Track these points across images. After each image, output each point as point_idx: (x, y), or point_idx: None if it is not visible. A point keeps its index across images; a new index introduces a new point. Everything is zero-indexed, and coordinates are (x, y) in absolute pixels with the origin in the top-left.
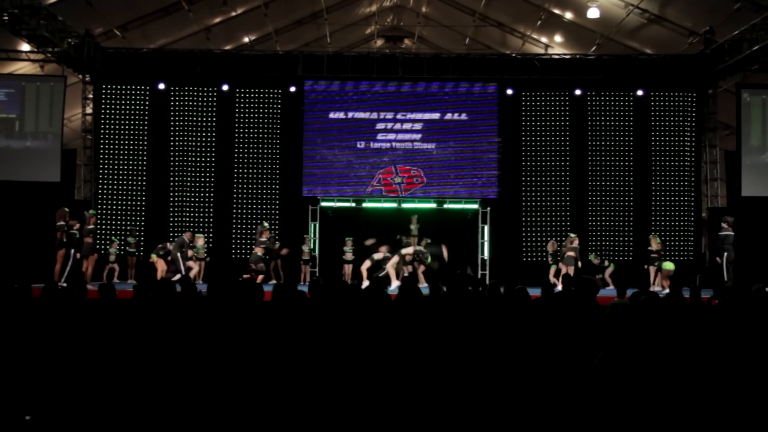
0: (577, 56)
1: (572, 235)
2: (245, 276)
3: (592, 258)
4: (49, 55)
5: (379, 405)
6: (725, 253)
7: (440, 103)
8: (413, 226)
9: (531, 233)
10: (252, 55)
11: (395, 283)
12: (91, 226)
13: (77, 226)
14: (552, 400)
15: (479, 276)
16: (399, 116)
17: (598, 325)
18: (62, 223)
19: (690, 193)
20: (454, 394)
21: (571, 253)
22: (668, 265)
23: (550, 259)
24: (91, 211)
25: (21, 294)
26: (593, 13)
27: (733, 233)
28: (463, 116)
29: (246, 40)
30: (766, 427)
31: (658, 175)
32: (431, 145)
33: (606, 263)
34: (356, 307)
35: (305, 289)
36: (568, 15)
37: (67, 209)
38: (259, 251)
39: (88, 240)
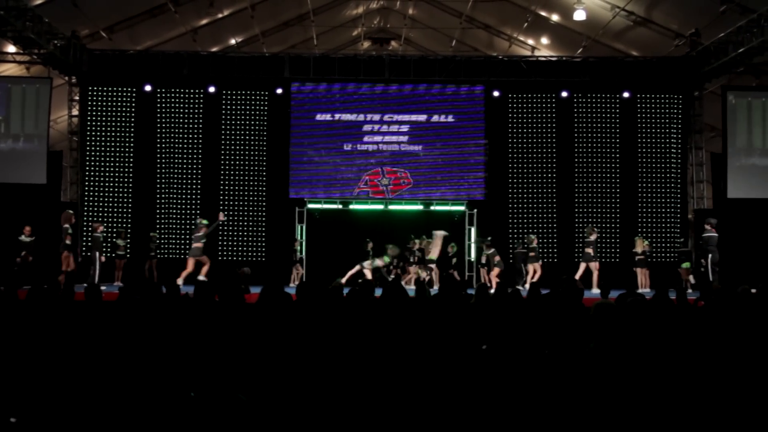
0: (564, 58)
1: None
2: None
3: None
4: (35, 56)
5: (366, 403)
6: (710, 255)
7: (427, 104)
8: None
9: (518, 235)
10: (238, 56)
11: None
12: (97, 234)
13: (100, 229)
14: (538, 396)
15: (466, 278)
16: (386, 118)
17: (584, 325)
18: (67, 225)
19: (676, 195)
20: (439, 394)
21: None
22: (686, 265)
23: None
24: (69, 211)
25: (8, 297)
26: (579, 15)
27: (716, 235)
28: (450, 118)
29: (233, 41)
30: (752, 421)
31: (645, 177)
32: (418, 147)
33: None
34: (342, 309)
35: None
36: (555, 17)
37: (71, 212)
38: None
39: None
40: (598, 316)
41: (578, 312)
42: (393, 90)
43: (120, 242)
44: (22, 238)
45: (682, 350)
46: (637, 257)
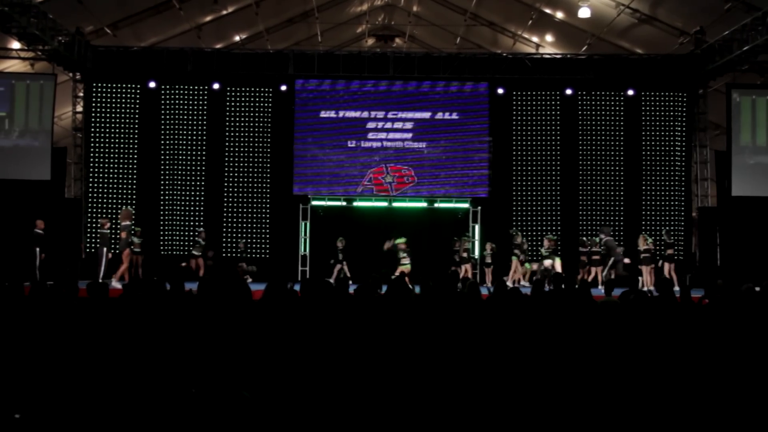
0: (568, 56)
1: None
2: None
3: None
4: (39, 53)
5: (371, 400)
6: (612, 258)
7: (431, 102)
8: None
9: (522, 232)
10: (243, 53)
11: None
12: (127, 222)
13: (107, 225)
14: (540, 394)
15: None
16: (390, 115)
17: (589, 323)
18: (128, 222)
19: (680, 192)
20: (442, 391)
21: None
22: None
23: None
24: (129, 208)
25: (14, 293)
26: (584, 12)
27: (612, 238)
28: (454, 115)
29: (237, 38)
30: (752, 417)
31: (649, 175)
32: (422, 145)
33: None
34: (347, 305)
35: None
36: (559, 14)
37: (132, 209)
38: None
39: (123, 235)
40: (602, 314)
41: (583, 309)
42: (397, 87)
43: (135, 240)
44: (37, 231)
45: (685, 348)
46: (641, 255)
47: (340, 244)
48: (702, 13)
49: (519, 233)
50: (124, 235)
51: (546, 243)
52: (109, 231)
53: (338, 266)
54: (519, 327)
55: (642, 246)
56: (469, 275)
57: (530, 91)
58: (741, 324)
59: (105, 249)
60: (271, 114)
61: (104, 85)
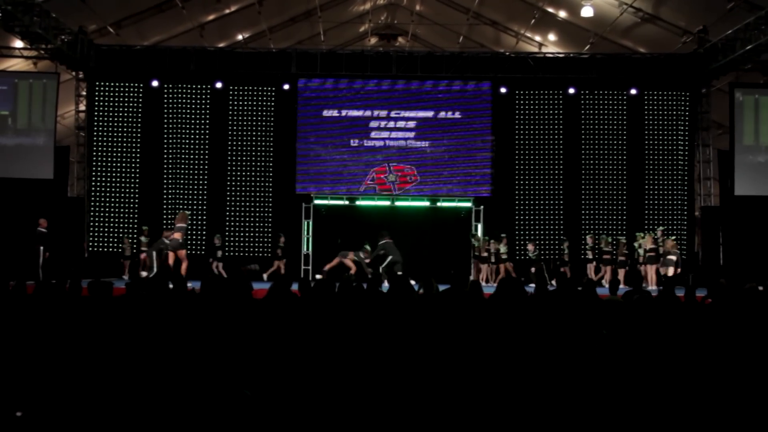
0: (571, 55)
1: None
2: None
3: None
4: (42, 51)
5: (373, 401)
6: (389, 257)
7: (434, 101)
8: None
9: (524, 232)
10: (246, 52)
11: None
12: (183, 224)
13: (147, 232)
14: (543, 395)
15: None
16: (393, 114)
17: (592, 322)
18: (183, 225)
19: (683, 192)
20: (447, 391)
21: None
22: None
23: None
24: (186, 211)
25: (16, 291)
26: (587, 11)
27: (390, 241)
28: (457, 114)
29: (240, 37)
30: (755, 416)
31: (652, 174)
32: (425, 144)
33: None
34: (349, 304)
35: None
36: (562, 14)
37: (188, 212)
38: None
39: (177, 236)
40: (604, 314)
41: (586, 309)
42: (400, 86)
43: (143, 239)
44: (40, 229)
45: (688, 347)
46: (647, 254)
47: (217, 242)
48: (705, 12)
49: (603, 236)
50: (178, 235)
51: (530, 247)
52: (147, 239)
53: (215, 263)
54: (521, 326)
55: (649, 245)
56: (483, 276)
57: (533, 90)
58: (744, 323)
59: (154, 253)
60: (273, 113)
61: (107, 84)
